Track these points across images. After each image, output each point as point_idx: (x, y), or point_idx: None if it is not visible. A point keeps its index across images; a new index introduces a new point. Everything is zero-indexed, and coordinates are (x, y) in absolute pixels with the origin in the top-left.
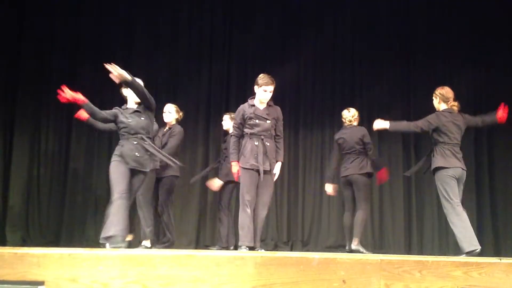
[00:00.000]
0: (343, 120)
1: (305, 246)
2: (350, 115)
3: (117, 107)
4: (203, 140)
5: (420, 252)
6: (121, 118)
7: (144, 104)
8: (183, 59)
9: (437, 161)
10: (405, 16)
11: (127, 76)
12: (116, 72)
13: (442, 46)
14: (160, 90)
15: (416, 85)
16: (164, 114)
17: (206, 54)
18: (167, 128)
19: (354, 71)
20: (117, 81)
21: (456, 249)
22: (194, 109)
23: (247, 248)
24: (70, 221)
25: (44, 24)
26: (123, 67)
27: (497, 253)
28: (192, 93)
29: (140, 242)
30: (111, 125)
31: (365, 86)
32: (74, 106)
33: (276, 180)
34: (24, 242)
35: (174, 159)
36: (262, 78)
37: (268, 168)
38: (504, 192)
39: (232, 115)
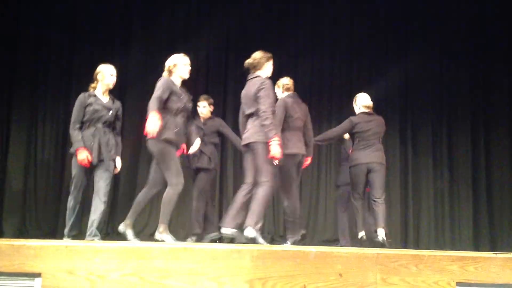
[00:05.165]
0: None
1: (302, 239)
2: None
3: None
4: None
5: (417, 247)
6: None
7: None
8: (180, 43)
9: None
10: (403, 11)
11: None
12: None
13: (439, 40)
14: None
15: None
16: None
17: (204, 47)
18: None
19: (352, 66)
20: None
21: (451, 244)
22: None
23: None
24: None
25: (41, 19)
26: (119, 64)
27: (493, 247)
28: (189, 87)
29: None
30: None
31: (363, 80)
32: (71, 99)
33: None
34: (21, 234)
35: None
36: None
37: None
38: (500, 188)
39: None
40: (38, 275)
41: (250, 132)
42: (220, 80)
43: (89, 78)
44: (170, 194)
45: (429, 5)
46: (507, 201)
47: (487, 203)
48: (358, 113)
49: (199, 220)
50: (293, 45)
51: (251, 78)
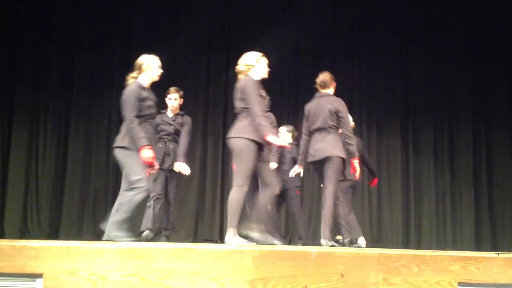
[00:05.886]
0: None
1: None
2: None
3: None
4: (202, 136)
5: (418, 247)
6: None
7: None
8: (181, 53)
9: None
10: (404, 10)
11: None
12: None
13: (440, 40)
14: (158, 84)
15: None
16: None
17: (204, 48)
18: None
19: (354, 64)
20: None
21: (453, 244)
22: (192, 104)
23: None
24: (69, 214)
25: (41, 15)
26: (120, 60)
27: (495, 247)
28: (190, 88)
29: None
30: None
31: (364, 80)
32: (73, 99)
33: None
34: (23, 235)
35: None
36: None
37: None
38: (501, 187)
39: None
40: (40, 275)
41: (326, 146)
42: (221, 81)
43: (91, 78)
44: (236, 195)
45: (430, 4)
46: (509, 201)
47: (489, 203)
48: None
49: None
50: (294, 44)
51: (322, 96)
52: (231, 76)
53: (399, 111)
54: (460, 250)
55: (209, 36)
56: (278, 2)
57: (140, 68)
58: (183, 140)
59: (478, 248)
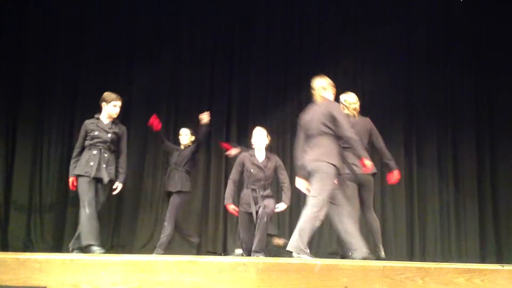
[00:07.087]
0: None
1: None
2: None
3: None
4: (205, 147)
5: (423, 259)
6: None
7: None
8: (185, 64)
9: None
10: (406, 17)
11: None
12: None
13: (443, 50)
14: (162, 95)
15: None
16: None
17: (208, 59)
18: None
19: (356, 74)
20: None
21: (457, 256)
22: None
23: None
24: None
25: (47, 29)
26: (124, 72)
27: (500, 260)
28: (194, 98)
29: None
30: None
31: (367, 90)
32: (76, 112)
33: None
34: (26, 248)
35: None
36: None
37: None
38: (506, 199)
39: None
40: None
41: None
42: (224, 88)
43: (95, 89)
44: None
45: (432, 12)
46: None
47: (493, 215)
48: None
49: None
50: (297, 48)
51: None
52: (235, 84)
53: (402, 122)
54: (465, 262)
55: (214, 46)
56: (281, 4)
57: (324, 88)
58: (123, 156)
59: (483, 261)
